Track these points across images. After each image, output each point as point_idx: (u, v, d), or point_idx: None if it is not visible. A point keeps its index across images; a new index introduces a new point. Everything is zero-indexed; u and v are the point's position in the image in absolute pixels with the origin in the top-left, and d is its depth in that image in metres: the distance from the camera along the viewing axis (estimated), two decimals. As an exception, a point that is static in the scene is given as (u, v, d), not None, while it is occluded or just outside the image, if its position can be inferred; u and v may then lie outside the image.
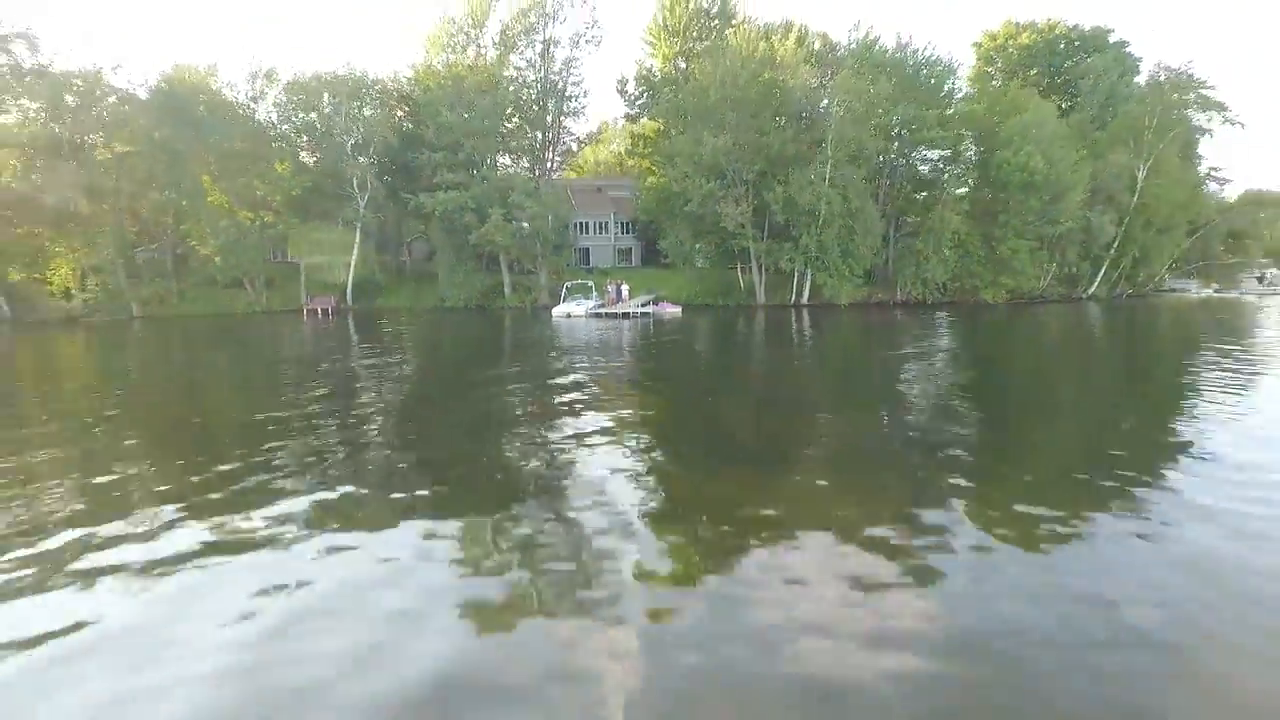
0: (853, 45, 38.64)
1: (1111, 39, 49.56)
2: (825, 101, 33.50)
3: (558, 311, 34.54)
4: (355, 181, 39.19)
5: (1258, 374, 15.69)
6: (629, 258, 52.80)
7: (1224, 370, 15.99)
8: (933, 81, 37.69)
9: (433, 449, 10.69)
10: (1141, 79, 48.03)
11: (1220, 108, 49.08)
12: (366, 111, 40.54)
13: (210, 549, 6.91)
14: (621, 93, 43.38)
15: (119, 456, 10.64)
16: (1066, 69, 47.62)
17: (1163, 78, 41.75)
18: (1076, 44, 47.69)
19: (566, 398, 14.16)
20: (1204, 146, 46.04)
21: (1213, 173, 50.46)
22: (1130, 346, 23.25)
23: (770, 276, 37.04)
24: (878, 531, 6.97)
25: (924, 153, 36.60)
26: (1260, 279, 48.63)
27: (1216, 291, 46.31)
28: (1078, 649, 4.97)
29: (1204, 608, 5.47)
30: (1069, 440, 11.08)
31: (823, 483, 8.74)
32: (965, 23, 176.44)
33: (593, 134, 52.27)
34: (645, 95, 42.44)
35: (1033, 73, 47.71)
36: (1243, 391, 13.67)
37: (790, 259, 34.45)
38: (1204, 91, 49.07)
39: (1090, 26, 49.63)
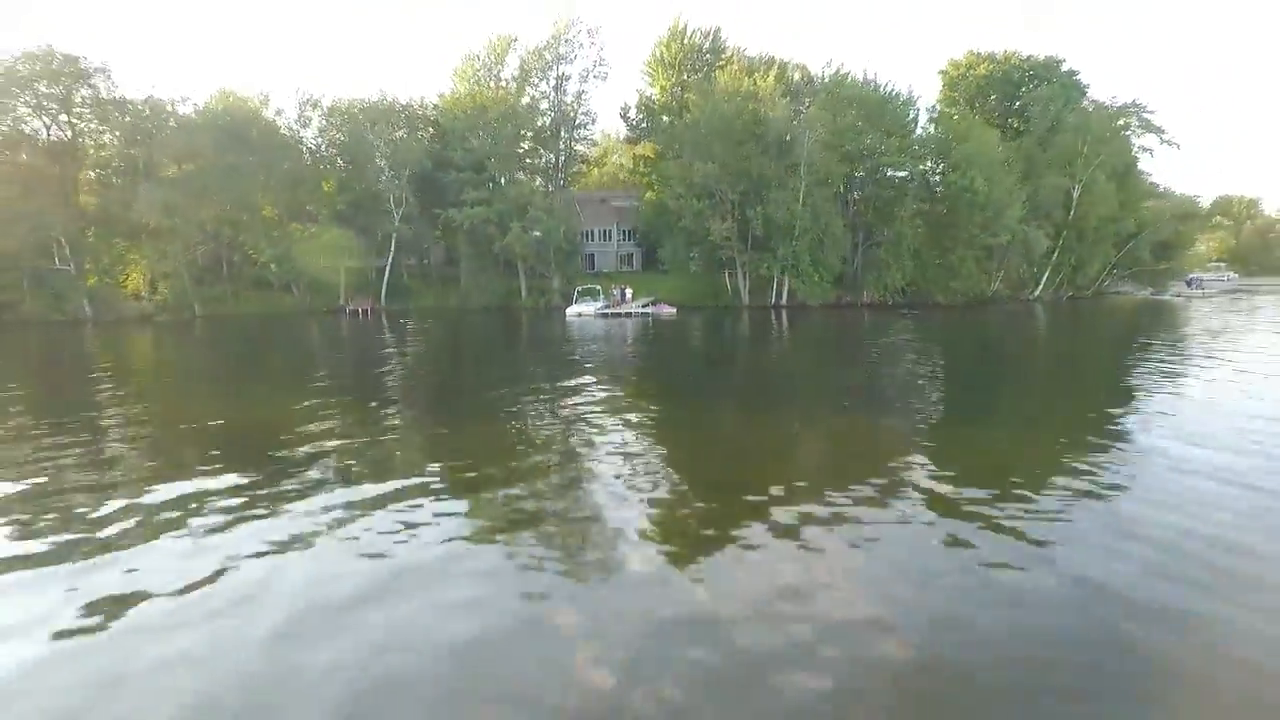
0: (826, 80, 44.49)
1: (1064, 68, 55.27)
2: (800, 130, 39.19)
3: (570, 311, 40.25)
4: (392, 199, 45.00)
5: (1166, 361, 19.17)
6: (630, 262, 58.59)
7: (1139, 359, 20.10)
8: (896, 111, 43.51)
9: (482, 419, 13.80)
10: (1089, 103, 53.91)
11: (1159, 131, 55.03)
12: (399, 133, 46.37)
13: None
14: (624, 118, 49.36)
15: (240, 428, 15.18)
16: (1021, 95, 53.27)
17: (1090, 109, 47.50)
18: (1029, 74, 53.32)
19: (582, 379, 19.53)
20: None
21: (1153, 188, 56.32)
22: (1054, 340, 28.61)
23: (753, 281, 42.81)
24: (836, 497, 7.61)
25: (887, 173, 42.31)
26: (1189, 283, 54.32)
27: (1153, 294, 52.03)
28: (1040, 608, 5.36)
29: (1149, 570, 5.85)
30: (1012, 421, 12.59)
31: (793, 449, 10.71)
32: (941, 48, 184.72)
33: (600, 156, 57.84)
34: (645, 121, 48.27)
35: (991, 99, 53.40)
36: (1154, 376, 16.12)
37: (769, 267, 40.26)
38: (1146, 115, 55.09)
39: (1044, 56, 55.34)
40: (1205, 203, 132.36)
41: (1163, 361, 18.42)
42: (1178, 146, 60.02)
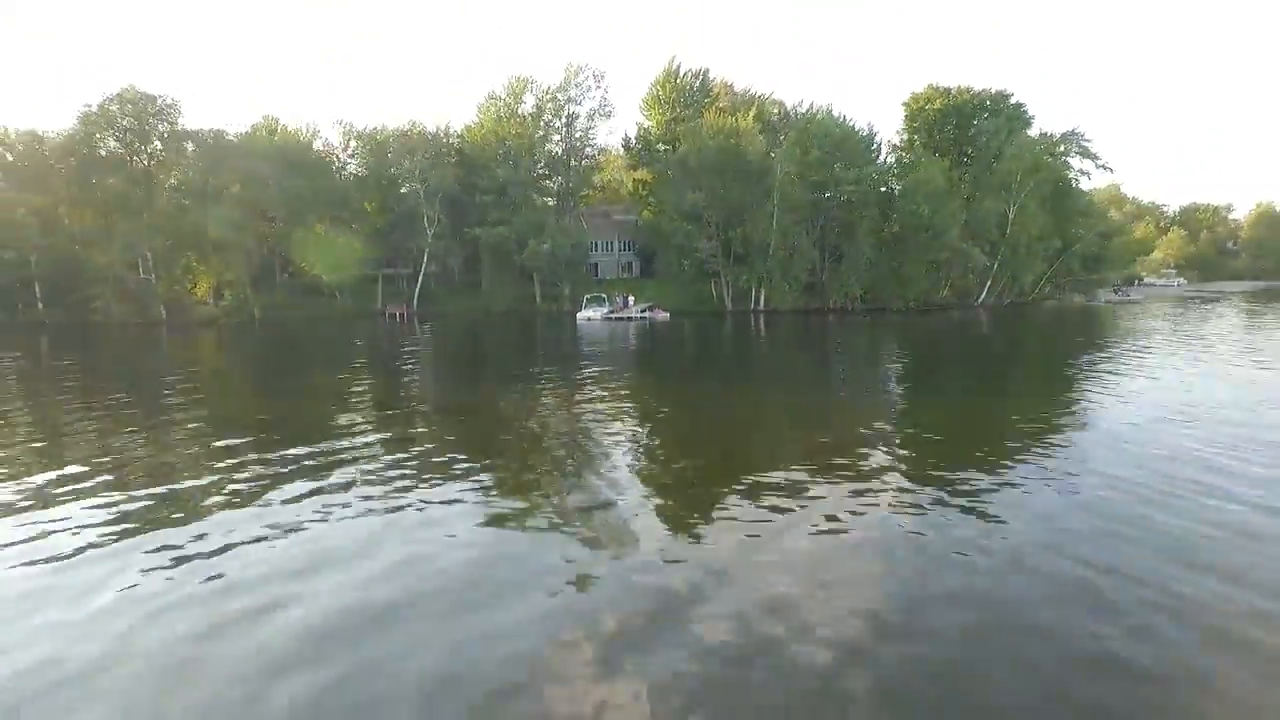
0: (799, 117, 51.98)
1: (1013, 100, 62.72)
2: (773, 163, 46.62)
3: (581, 316, 47.62)
4: (426, 218, 52.37)
5: (1077, 355, 26.06)
6: (630, 270, 66.01)
7: (1058, 354, 28.27)
8: (857, 145, 51.01)
9: (522, 398, 22.29)
10: (1035, 132, 61.41)
11: (1095, 157, 62.62)
12: (430, 162, 53.65)
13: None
14: (626, 148, 56.73)
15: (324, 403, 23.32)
16: (974, 126, 60.64)
17: (1032, 139, 54.98)
18: (980, 106, 60.70)
19: (593, 369, 26.89)
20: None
21: (1089, 205, 63.79)
22: (986, 338, 35.76)
23: (734, 290, 50.27)
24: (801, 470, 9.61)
25: (847, 199, 49.79)
26: (1115, 290, 61.95)
27: (1086, 300, 59.61)
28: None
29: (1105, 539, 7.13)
30: (949, 403, 16.34)
31: (769, 426, 14.22)
32: (909, 80, 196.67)
33: (602, 165, 65.01)
34: (642, 150, 55.74)
35: (947, 129, 60.78)
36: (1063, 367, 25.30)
37: (747, 279, 47.77)
38: (1084, 143, 62.67)
39: (995, 90, 62.77)
40: (1173, 210, 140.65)
41: (1073, 355, 25.34)
42: (1111, 170, 67.54)
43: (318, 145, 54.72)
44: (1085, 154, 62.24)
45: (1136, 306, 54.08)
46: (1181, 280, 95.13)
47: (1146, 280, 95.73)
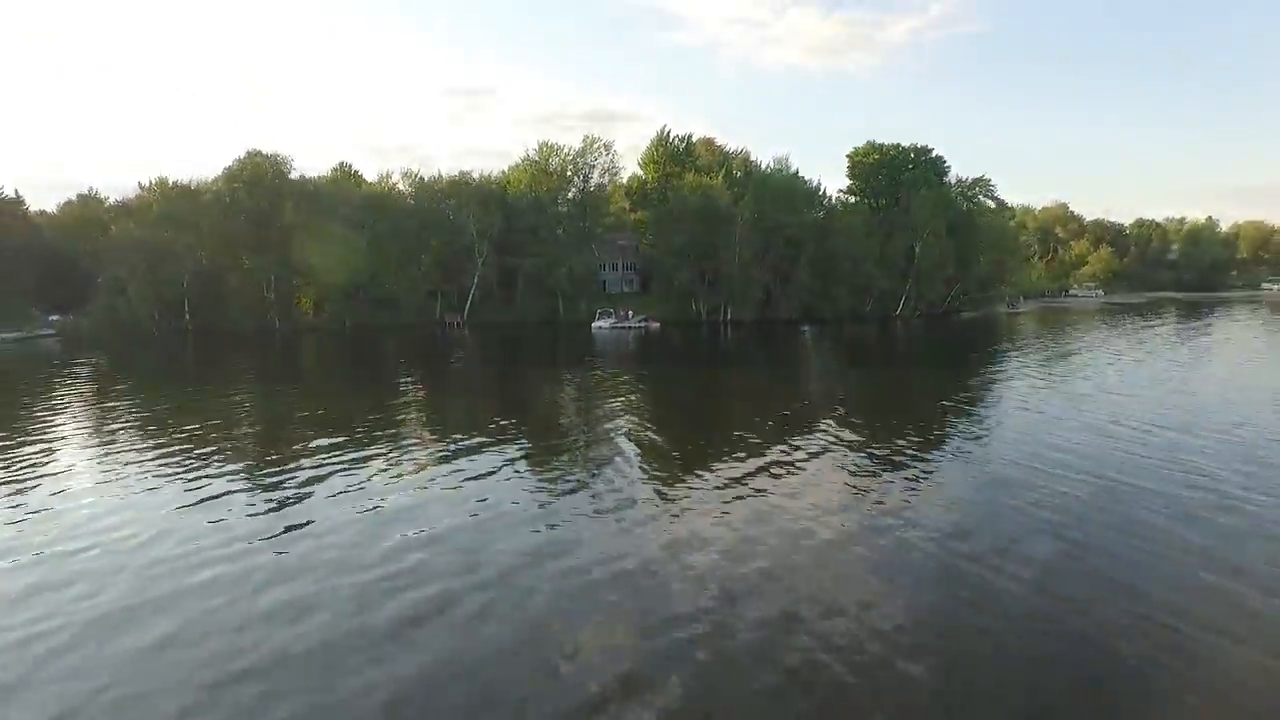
0: (759, 172, 68.74)
1: (935, 153, 79.40)
2: (735, 214, 63.38)
3: (594, 325, 64.32)
4: (477, 250, 69.30)
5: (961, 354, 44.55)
6: (632, 284, 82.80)
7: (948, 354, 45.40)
8: (802, 194, 67.81)
9: (551, 385, 39.74)
10: (952, 178, 78.15)
11: (998, 199, 79.49)
12: (479, 207, 70.34)
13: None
14: (627, 194, 73.68)
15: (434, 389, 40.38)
16: (902, 178, 77.09)
17: (947, 185, 71.69)
18: (905, 160, 77.25)
19: (606, 365, 43.81)
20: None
21: (989, 235, 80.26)
22: (893, 341, 52.69)
23: (708, 306, 67.13)
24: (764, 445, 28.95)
25: (791, 237, 66.53)
26: (1008, 304, 78.59)
27: (981, 312, 76.17)
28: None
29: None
30: (874, 390, 40.39)
31: (737, 408, 37.90)
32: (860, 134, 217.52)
33: (613, 211, 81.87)
34: (641, 198, 72.72)
35: (879, 178, 77.39)
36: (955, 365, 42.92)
37: (718, 299, 64.62)
38: (990, 187, 79.58)
39: (922, 145, 79.42)
40: (1127, 224, 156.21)
41: (953, 350, 42.39)
42: (1009, 205, 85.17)
43: (395, 195, 71.61)
44: (989, 195, 79.39)
45: (1021, 317, 70.84)
46: (1099, 292, 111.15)
47: (1072, 292, 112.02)
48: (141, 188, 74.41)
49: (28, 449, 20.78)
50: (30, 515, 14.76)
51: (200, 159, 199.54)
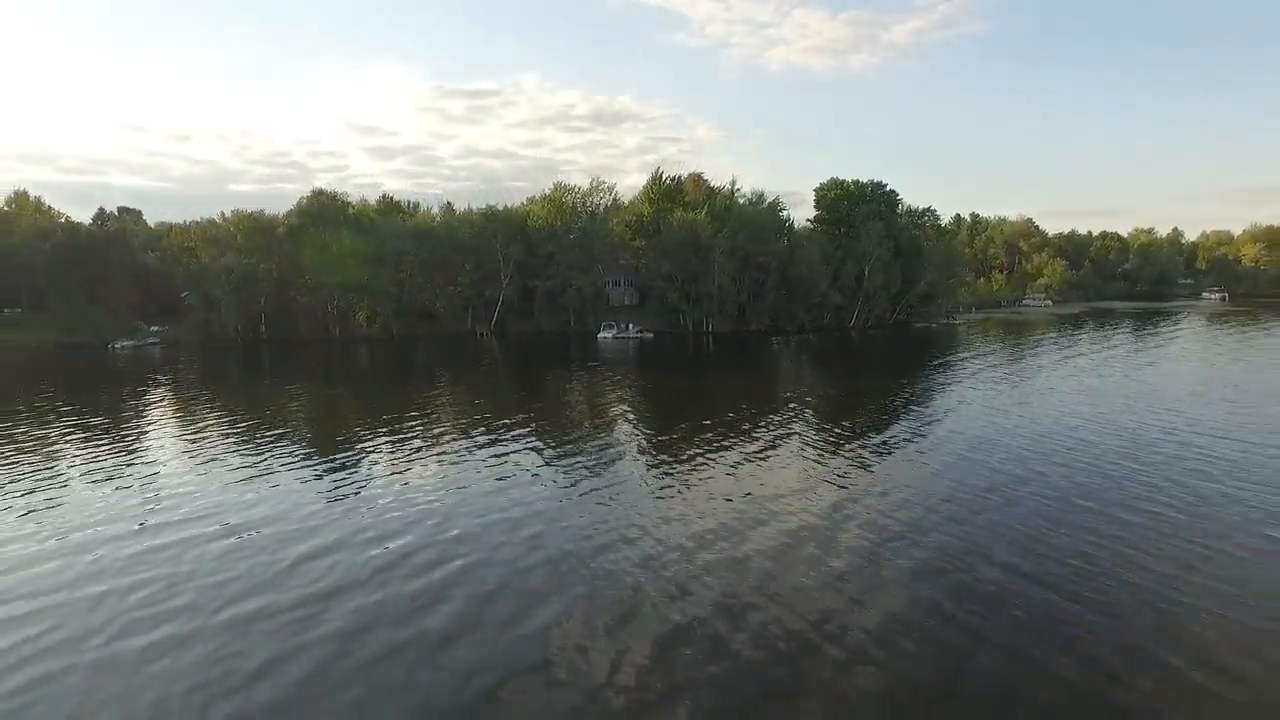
0: (737, 206, 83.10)
1: (888, 188, 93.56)
2: (714, 243, 77.70)
3: (600, 335, 78.65)
4: (503, 273, 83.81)
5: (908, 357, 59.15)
6: (632, 297, 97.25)
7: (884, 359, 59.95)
8: (771, 225, 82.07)
9: (564, 382, 54.62)
10: (902, 210, 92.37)
11: (940, 226, 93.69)
12: (507, 237, 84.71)
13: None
14: (626, 226, 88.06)
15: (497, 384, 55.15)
16: (858, 210, 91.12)
17: (897, 216, 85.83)
18: (862, 195, 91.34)
19: (610, 367, 58.35)
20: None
21: (930, 256, 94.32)
22: (848, 347, 66.98)
23: (692, 319, 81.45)
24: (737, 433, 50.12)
25: (761, 261, 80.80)
26: (946, 316, 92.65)
27: (921, 323, 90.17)
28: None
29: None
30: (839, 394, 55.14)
31: (720, 401, 52.67)
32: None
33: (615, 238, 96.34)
34: (639, 229, 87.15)
35: (840, 209, 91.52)
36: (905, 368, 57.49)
37: (700, 313, 78.99)
38: (935, 216, 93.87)
39: (877, 180, 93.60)
40: (1091, 237, 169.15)
41: (886, 354, 57.01)
42: (951, 233, 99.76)
43: (435, 224, 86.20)
44: (934, 223, 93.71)
45: (956, 328, 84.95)
46: (1048, 303, 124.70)
47: (1025, 302, 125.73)
48: (223, 217, 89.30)
49: (159, 427, 35.29)
50: (165, 477, 29.31)
51: (208, 160, 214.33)
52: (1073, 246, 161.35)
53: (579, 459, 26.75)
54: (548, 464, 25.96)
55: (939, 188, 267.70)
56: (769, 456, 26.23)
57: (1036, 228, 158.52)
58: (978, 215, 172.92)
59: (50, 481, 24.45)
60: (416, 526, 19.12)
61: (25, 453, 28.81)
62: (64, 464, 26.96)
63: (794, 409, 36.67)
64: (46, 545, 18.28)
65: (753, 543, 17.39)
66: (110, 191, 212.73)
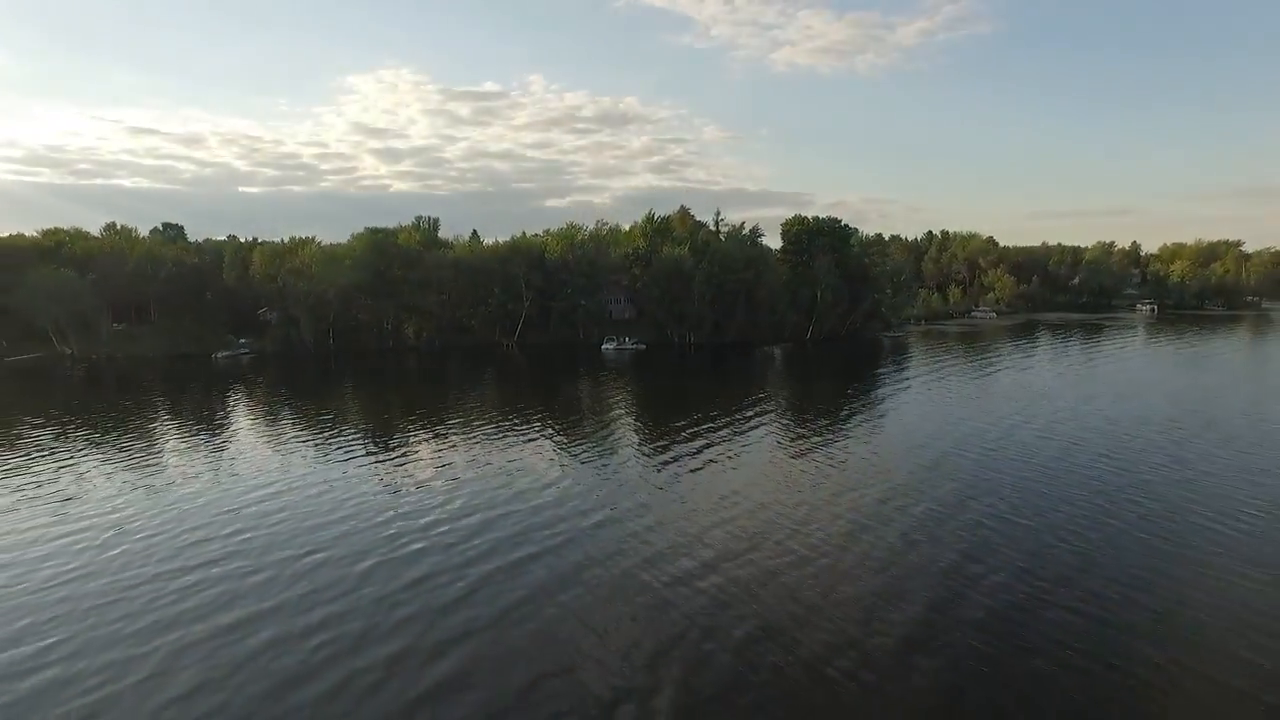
0: (716, 240, 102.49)
1: (843, 223, 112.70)
2: (694, 272, 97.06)
3: (603, 347, 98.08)
4: (524, 296, 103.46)
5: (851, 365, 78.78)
6: (630, 313, 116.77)
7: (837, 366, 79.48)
8: (741, 255, 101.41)
9: (575, 384, 74.40)
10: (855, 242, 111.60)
11: (889, 254, 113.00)
12: (529, 267, 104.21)
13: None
14: (625, 258, 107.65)
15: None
16: (816, 243, 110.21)
17: (824, 255, 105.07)
18: (820, 228, 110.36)
19: (613, 373, 78.02)
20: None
21: (879, 279, 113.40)
22: (804, 356, 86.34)
23: (677, 333, 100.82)
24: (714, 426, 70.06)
25: (733, 286, 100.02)
26: (892, 328, 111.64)
27: (865, 336, 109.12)
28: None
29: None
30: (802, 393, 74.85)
31: (703, 397, 72.46)
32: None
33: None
34: (635, 258, 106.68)
35: (802, 242, 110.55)
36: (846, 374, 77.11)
37: (683, 328, 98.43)
38: (886, 246, 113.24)
39: (833, 216, 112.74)
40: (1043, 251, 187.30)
41: (829, 361, 76.74)
42: (900, 262, 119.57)
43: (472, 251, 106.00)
44: (882, 252, 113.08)
45: (904, 338, 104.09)
46: (993, 315, 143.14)
47: (974, 313, 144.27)
48: (297, 241, 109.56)
49: (251, 418, 55.11)
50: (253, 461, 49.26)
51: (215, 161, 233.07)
52: (1030, 261, 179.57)
53: (592, 439, 46.48)
54: (568, 442, 45.48)
55: (942, 188, 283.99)
56: (739, 439, 45.91)
57: (995, 245, 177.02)
58: (947, 232, 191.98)
59: (211, 445, 44.53)
60: (489, 495, 38.69)
61: (204, 422, 48.91)
62: (231, 430, 47.06)
63: (757, 403, 56.53)
64: (201, 499, 38.12)
65: (729, 508, 36.83)
66: (120, 194, 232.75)
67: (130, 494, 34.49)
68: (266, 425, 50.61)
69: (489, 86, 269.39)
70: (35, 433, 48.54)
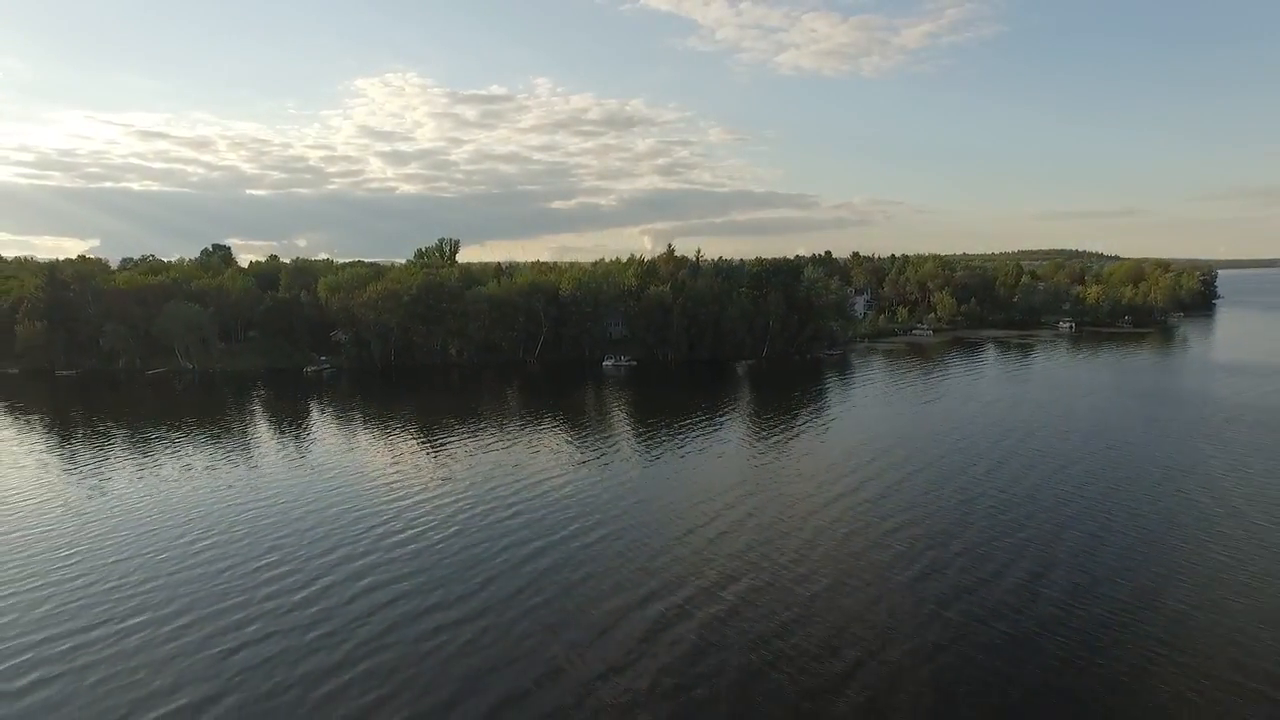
0: (695, 274, 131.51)
1: (797, 261, 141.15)
2: (676, 302, 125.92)
3: (604, 363, 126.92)
4: (542, 321, 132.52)
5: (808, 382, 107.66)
6: (626, 333, 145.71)
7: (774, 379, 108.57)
8: (716, 289, 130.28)
9: (579, 392, 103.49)
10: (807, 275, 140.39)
11: (848, 284, 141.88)
12: (546, 300, 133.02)
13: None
14: (620, 293, 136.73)
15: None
16: (772, 280, 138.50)
17: (774, 291, 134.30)
18: (777, 267, 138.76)
19: (612, 385, 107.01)
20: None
21: (829, 304, 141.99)
22: (769, 370, 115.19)
23: (661, 351, 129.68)
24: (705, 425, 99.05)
25: (706, 314, 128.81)
26: (835, 347, 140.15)
27: (808, 356, 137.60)
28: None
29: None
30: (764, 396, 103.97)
31: (687, 402, 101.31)
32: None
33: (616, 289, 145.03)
34: (626, 295, 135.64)
35: (761, 279, 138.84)
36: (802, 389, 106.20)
37: (666, 349, 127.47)
38: (844, 277, 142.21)
39: (787, 257, 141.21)
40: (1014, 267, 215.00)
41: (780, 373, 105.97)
42: (859, 290, 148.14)
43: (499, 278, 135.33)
44: (827, 286, 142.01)
45: (845, 356, 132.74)
46: (930, 332, 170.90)
47: (914, 331, 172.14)
48: (360, 274, 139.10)
49: (329, 424, 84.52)
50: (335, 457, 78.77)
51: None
52: (979, 282, 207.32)
53: (597, 436, 75.30)
54: (579, 437, 74.49)
55: (948, 189, 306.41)
56: (714, 436, 74.48)
57: (945, 269, 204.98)
58: (908, 256, 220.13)
59: (311, 441, 73.89)
60: (532, 485, 67.83)
61: (311, 422, 78.32)
62: (331, 432, 76.49)
63: (724, 407, 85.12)
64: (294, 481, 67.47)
65: (707, 493, 65.85)
66: (129, 197, 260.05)
67: (280, 472, 63.90)
68: (355, 425, 79.84)
69: (495, 90, 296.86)
70: (195, 430, 78.08)
